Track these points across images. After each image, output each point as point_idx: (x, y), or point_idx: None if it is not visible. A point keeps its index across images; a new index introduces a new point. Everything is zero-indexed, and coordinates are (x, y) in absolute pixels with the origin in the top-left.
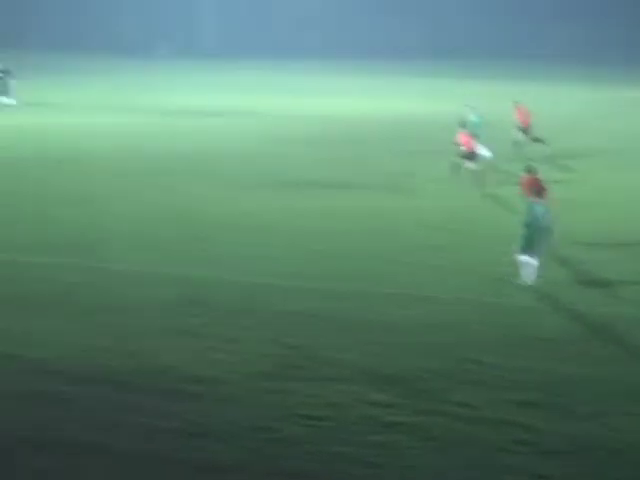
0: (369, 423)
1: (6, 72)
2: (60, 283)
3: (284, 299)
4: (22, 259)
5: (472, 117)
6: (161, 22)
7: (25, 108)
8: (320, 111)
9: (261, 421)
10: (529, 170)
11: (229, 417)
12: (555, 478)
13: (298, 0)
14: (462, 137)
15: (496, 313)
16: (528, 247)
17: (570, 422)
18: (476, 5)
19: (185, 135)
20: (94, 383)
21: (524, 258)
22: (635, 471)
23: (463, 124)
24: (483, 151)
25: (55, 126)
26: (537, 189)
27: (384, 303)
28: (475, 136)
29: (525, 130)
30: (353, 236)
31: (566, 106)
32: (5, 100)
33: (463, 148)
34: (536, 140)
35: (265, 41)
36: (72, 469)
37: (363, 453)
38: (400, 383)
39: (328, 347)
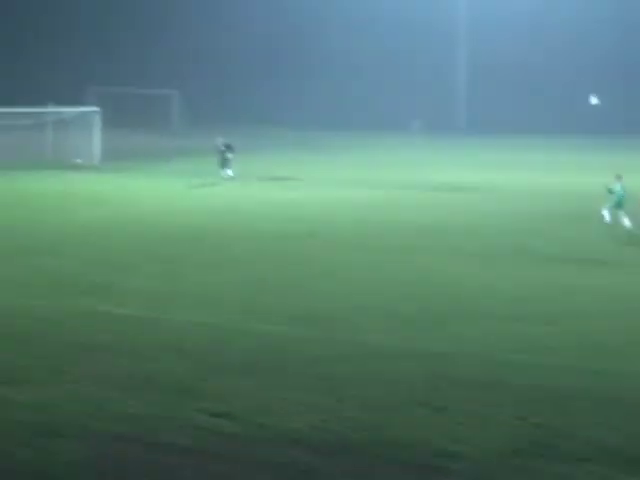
0: None
1: (228, 147)
2: (302, 354)
3: (532, 374)
4: (263, 328)
5: None
6: (417, 100)
7: (270, 182)
8: (559, 186)
9: None
10: None
11: None
12: None
13: (552, 82)
14: None
15: None
16: None
17: None
18: None
19: (426, 208)
20: (337, 454)
21: None
22: None
23: None
24: None
25: (306, 199)
26: None
27: None
28: None
29: None
30: (611, 315)
31: None
32: (228, 172)
33: None
34: None
35: (514, 119)
36: None
37: None
38: None
39: (580, 425)
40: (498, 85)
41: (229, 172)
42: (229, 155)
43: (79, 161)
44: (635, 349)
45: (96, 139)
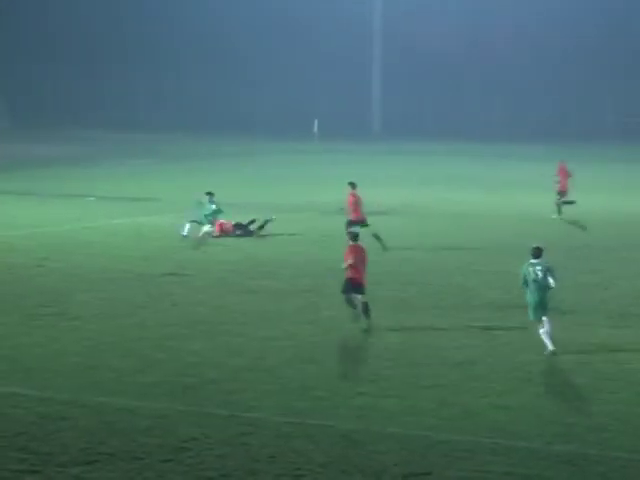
0: None
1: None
2: None
3: None
4: None
5: None
6: (325, 103)
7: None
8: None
9: None
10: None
11: None
12: None
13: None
14: None
15: None
16: None
17: None
18: None
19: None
20: None
21: None
22: None
23: None
24: None
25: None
26: None
27: None
28: None
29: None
30: None
31: None
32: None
33: None
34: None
35: (434, 123)
36: None
37: None
38: None
39: None
40: (416, 86)
41: None
42: None
43: None
44: None
45: None
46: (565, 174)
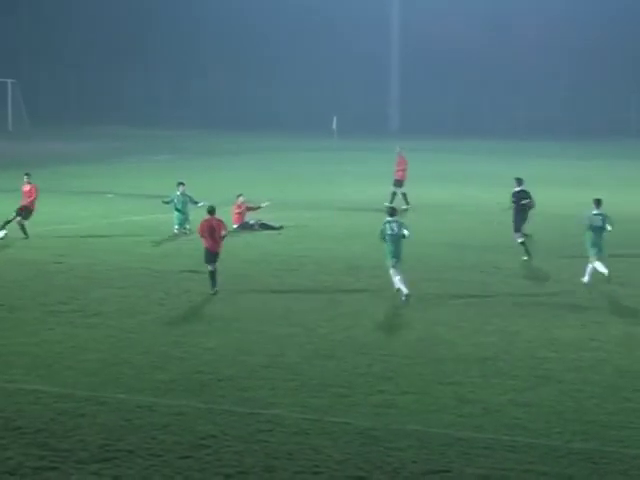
0: None
1: None
2: None
3: None
4: None
5: None
6: (344, 99)
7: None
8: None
9: None
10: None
11: None
12: None
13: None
14: None
15: None
16: None
17: None
18: None
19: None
20: None
21: None
22: None
23: None
24: None
25: None
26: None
27: None
28: None
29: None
30: None
31: None
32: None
33: None
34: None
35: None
36: None
37: None
38: None
39: None
40: (436, 82)
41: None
42: None
43: None
44: None
45: None
46: (403, 163)
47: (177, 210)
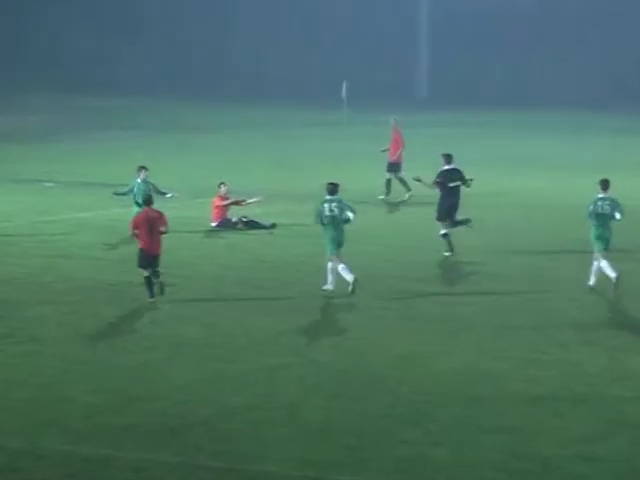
0: None
1: None
2: None
3: None
4: None
5: None
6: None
7: None
8: None
9: None
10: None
11: None
12: None
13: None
14: None
15: None
16: None
17: None
18: None
19: None
20: None
21: None
22: None
23: None
24: None
25: None
26: None
27: None
28: None
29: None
30: None
31: None
32: None
33: None
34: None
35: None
36: None
37: None
38: None
39: None
40: (468, 45)
41: None
42: None
43: None
44: None
45: None
46: (399, 141)
47: (137, 204)
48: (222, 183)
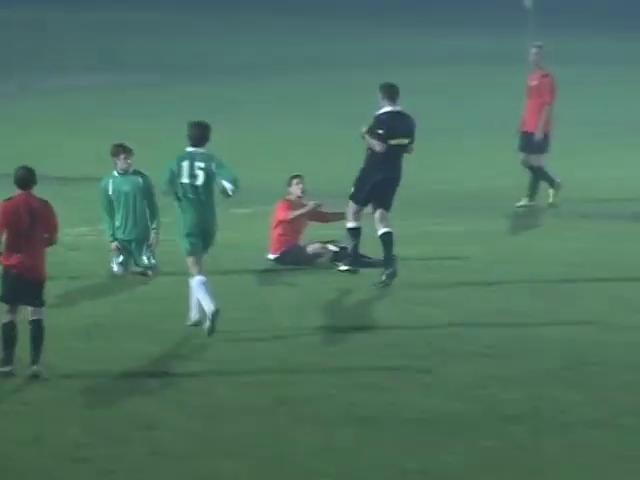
0: None
1: None
2: None
3: None
4: None
5: None
6: None
7: None
8: None
9: None
10: None
11: None
12: None
13: None
14: None
15: None
16: None
17: None
18: None
19: None
20: None
21: None
22: None
23: None
24: None
25: None
26: None
27: None
28: None
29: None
30: None
31: None
32: None
33: None
34: None
35: None
36: None
37: None
38: None
39: None
40: None
41: None
42: None
43: None
44: None
45: None
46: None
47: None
48: (297, 176)
